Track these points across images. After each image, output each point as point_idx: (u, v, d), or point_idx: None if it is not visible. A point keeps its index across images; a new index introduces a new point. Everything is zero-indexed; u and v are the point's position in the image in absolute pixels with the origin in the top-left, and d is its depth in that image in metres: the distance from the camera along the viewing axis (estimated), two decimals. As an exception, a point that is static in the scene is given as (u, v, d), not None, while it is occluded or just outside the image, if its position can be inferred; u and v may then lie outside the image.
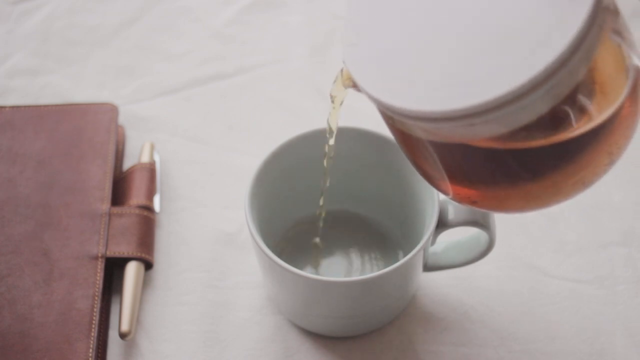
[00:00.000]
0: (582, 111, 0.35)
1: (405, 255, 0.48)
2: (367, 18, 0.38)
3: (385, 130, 0.52)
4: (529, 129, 0.34)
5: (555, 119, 0.34)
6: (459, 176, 0.39)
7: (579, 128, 0.35)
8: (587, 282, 0.55)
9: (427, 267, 0.52)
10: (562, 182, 0.37)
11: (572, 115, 0.34)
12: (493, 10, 0.34)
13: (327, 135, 0.48)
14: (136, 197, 0.57)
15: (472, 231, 0.50)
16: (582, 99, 0.34)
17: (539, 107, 0.33)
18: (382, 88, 0.36)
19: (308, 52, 0.70)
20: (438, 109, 0.33)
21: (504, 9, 0.34)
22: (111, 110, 0.62)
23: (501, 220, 0.55)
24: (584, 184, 0.38)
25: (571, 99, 0.34)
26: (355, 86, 0.38)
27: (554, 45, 0.32)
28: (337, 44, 0.70)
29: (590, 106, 0.35)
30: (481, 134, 0.34)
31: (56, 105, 0.62)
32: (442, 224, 0.48)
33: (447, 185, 0.40)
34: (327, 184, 0.51)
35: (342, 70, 0.42)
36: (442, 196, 0.50)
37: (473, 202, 0.40)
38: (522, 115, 0.33)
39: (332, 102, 0.45)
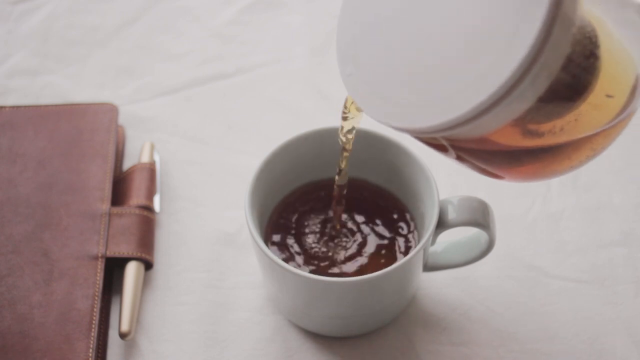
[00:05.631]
0: (580, 83, 0.36)
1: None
2: (355, 46, 0.40)
3: (385, 131, 0.52)
4: (531, 113, 0.35)
5: (558, 96, 0.35)
6: (484, 163, 0.41)
7: (581, 101, 0.36)
8: (587, 282, 0.55)
9: (427, 267, 0.52)
10: (576, 151, 0.39)
11: (571, 90, 0.36)
12: (465, 15, 0.35)
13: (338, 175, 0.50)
14: (136, 197, 0.57)
15: (472, 231, 0.50)
16: (577, 71, 0.35)
17: (534, 90, 0.34)
18: (389, 112, 0.38)
19: (308, 52, 0.70)
20: (444, 120, 0.35)
21: (473, 14, 0.35)
22: (111, 110, 0.62)
23: (501, 220, 0.55)
24: (596, 151, 0.39)
25: (566, 74, 0.35)
26: None
27: (525, 34, 0.33)
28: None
29: (589, 73, 0.36)
30: (493, 128, 0.36)
31: (56, 105, 0.62)
32: (442, 224, 0.48)
33: (480, 170, 0.42)
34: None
35: (346, 103, 0.46)
36: (442, 196, 0.50)
37: (501, 178, 0.42)
38: (519, 105, 0.35)
39: (344, 146, 0.48)
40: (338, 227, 0.53)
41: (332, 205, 0.53)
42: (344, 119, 0.46)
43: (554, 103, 0.35)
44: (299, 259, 0.52)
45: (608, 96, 0.37)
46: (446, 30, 0.36)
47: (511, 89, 0.33)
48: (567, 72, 0.35)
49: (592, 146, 0.39)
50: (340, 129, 0.47)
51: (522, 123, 0.36)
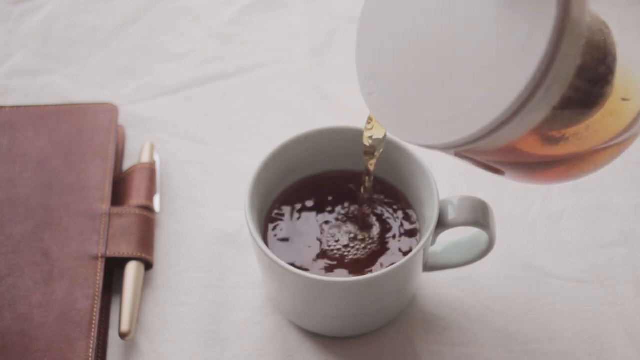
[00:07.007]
0: (595, 90, 0.36)
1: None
2: (375, 65, 0.41)
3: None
4: (548, 122, 0.36)
5: (570, 107, 0.36)
6: (501, 169, 0.41)
7: (599, 108, 0.37)
8: (587, 282, 0.55)
9: (427, 267, 0.52)
10: (587, 159, 0.39)
11: (585, 99, 0.36)
12: (478, 33, 0.36)
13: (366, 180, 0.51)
14: (136, 197, 0.57)
15: (472, 231, 0.50)
16: (590, 78, 0.35)
17: (547, 102, 0.35)
18: (410, 129, 0.39)
19: (308, 52, 0.70)
20: (462, 136, 0.36)
21: (485, 32, 0.36)
22: (111, 110, 0.62)
23: (501, 220, 0.55)
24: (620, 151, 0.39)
25: (579, 82, 0.35)
26: None
27: (534, 48, 0.33)
28: (337, 44, 0.70)
29: (602, 82, 0.36)
30: (511, 139, 0.36)
31: (56, 105, 0.62)
32: (442, 224, 0.48)
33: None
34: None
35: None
36: (442, 196, 0.50)
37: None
38: (535, 115, 0.35)
39: (369, 152, 0.48)
40: (362, 222, 0.54)
41: (358, 207, 0.53)
42: (369, 137, 0.47)
43: (570, 110, 0.36)
44: (299, 259, 0.52)
45: (624, 100, 0.37)
46: (460, 48, 0.36)
47: (526, 101, 0.34)
48: (582, 78, 0.35)
49: (610, 151, 0.39)
50: (363, 145, 0.48)
51: (540, 132, 0.36)
